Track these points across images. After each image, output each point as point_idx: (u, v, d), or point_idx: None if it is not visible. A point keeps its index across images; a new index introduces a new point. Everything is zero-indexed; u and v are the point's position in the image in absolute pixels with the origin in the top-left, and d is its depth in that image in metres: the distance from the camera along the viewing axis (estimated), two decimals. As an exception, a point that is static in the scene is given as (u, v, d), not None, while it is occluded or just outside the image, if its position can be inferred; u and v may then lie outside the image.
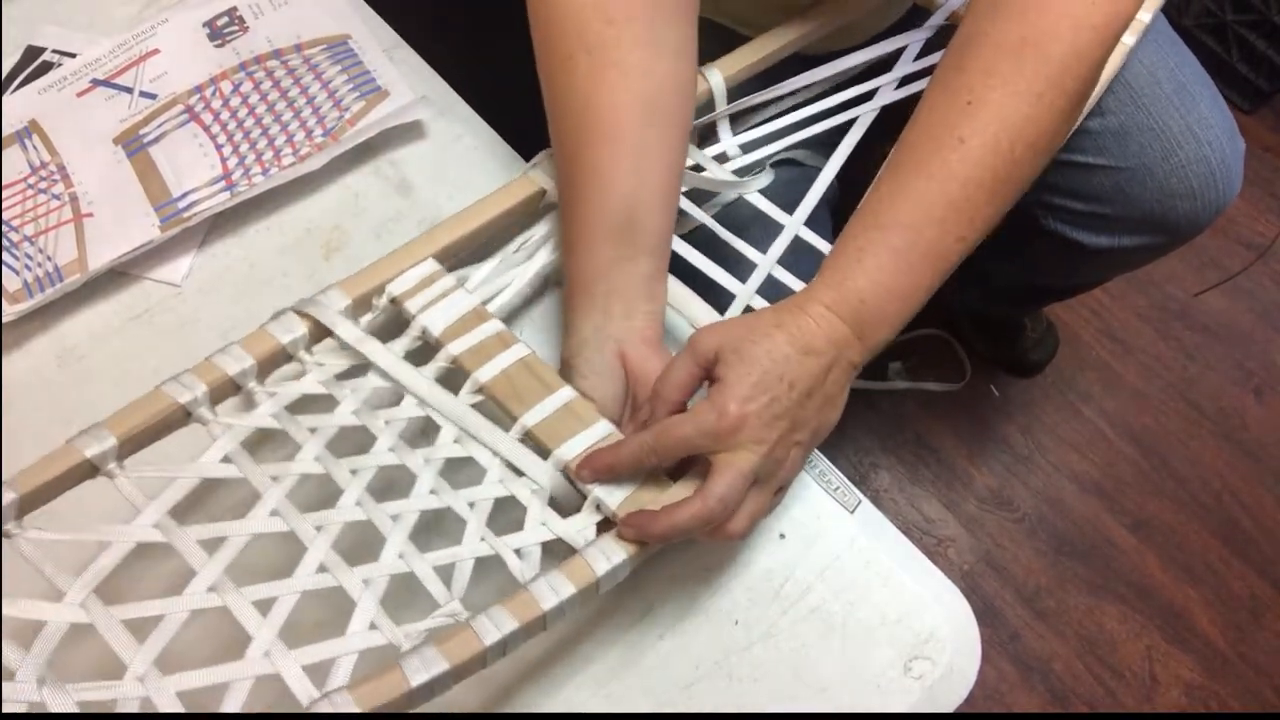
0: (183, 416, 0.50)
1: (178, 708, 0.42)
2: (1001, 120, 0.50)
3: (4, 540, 0.44)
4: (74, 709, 0.40)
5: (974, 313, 1.29)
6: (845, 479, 0.58)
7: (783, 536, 0.56)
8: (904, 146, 0.53)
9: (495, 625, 0.44)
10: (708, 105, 0.68)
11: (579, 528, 0.50)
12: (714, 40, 0.67)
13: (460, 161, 0.69)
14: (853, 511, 0.57)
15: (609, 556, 0.48)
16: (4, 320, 0.60)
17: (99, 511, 0.48)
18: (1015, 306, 1.23)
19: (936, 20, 0.72)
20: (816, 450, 0.57)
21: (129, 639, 0.43)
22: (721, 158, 0.68)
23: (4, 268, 0.62)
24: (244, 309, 0.63)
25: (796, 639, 0.54)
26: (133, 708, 0.41)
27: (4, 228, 0.63)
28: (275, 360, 0.53)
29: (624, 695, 0.52)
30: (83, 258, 0.63)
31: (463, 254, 0.60)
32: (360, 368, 0.55)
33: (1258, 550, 1.23)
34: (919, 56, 0.71)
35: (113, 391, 0.60)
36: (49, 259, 0.63)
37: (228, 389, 0.51)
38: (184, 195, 0.65)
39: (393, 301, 0.56)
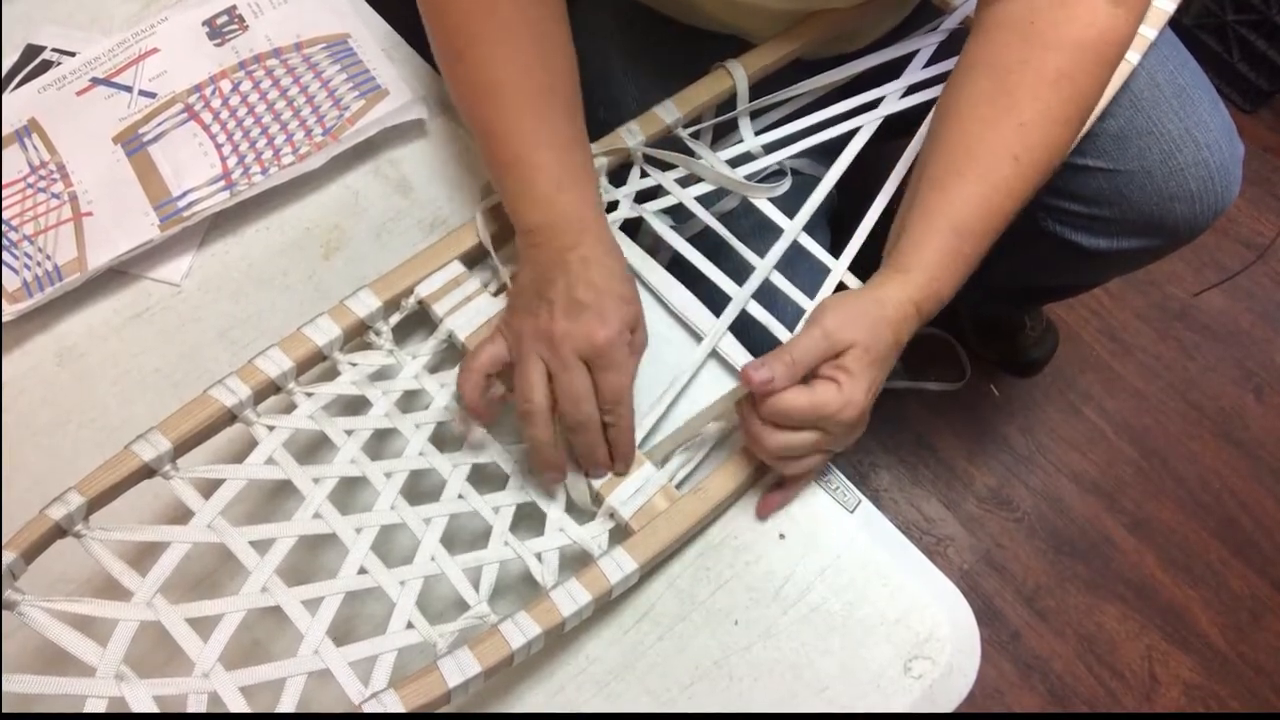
0: (229, 418, 0.51)
1: (242, 702, 0.43)
2: (1046, 144, 0.56)
3: (76, 540, 0.46)
4: (151, 706, 0.42)
5: (974, 313, 1.29)
6: (845, 479, 0.58)
7: (783, 536, 0.56)
8: (965, 154, 0.56)
9: (521, 631, 0.47)
10: (729, 103, 0.68)
11: (593, 534, 0.53)
12: (725, 50, 0.69)
13: (460, 161, 0.69)
14: (853, 511, 0.57)
15: (621, 566, 0.51)
16: (4, 320, 0.60)
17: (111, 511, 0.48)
18: (1015, 306, 1.23)
19: (950, 24, 0.72)
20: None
21: (195, 637, 0.44)
22: (746, 157, 0.69)
23: (4, 267, 0.62)
24: (243, 308, 0.63)
25: (796, 639, 0.54)
26: (201, 703, 0.43)
27: (4, 227, 0.63)
28: (311, 361, 0.55)
29: (624, 695, 0.52)
30: (82, 257, 0.62)
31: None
32: (391, 366, 0.57)
33: (1258, 550, 1.23)
34: (928, 63, 0.71)
35: (112, 390, 0.60)
36: (48, 258, 0.62)
37: (269, 390, 0.53)
38: (183, 194, 0.65)
39: (420, 303, 0.58)
